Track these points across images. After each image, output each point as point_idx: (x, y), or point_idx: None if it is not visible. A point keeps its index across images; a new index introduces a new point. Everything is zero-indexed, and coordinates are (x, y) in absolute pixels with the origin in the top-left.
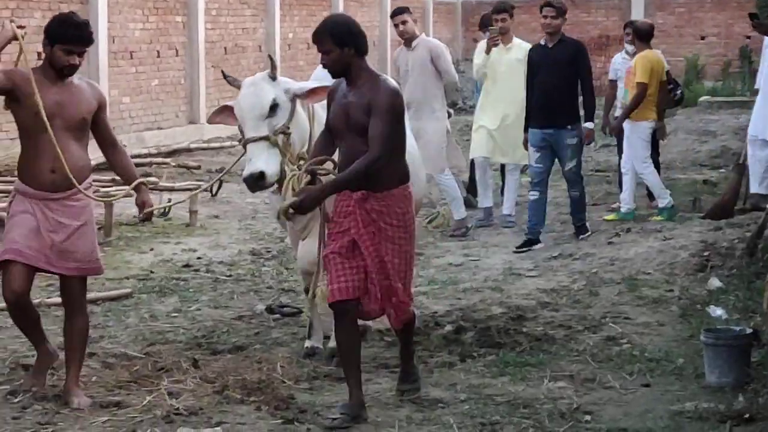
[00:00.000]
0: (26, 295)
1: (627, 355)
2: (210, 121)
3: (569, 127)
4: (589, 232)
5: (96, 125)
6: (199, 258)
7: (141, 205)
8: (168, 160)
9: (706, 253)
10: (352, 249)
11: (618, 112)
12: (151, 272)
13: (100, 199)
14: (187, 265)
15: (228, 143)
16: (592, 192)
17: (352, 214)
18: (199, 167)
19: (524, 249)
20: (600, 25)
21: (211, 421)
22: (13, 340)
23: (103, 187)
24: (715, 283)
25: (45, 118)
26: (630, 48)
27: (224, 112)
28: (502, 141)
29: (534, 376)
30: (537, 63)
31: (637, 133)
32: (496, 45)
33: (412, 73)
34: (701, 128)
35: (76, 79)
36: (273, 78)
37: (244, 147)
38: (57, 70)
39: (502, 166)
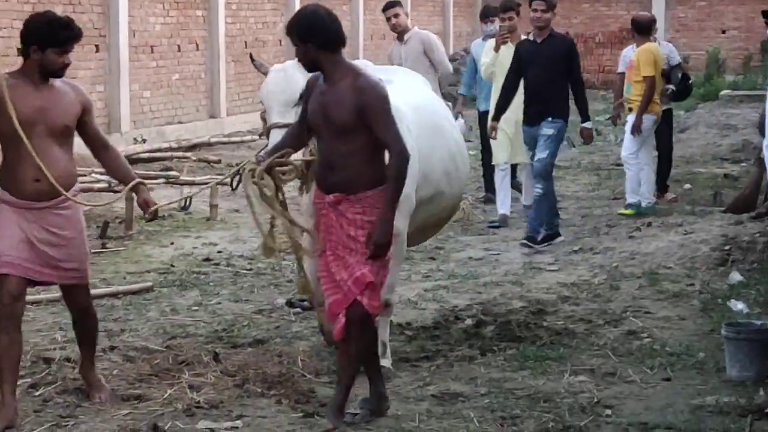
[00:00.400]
0: (19, 306)
1: (648, 349)
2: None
3: (550, 118)
4: (534, 246)
5: (83, 129)
6: (219, 252)
7: (143, 204)
8: (188, 154)
9: (727, 247)
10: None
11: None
12: (172, 266)
13: (90, 204)
14: (207, 259)
15: (248, 137)
16: (612, 186)
17: (325, 218)
18: (219, 161)
19: (546, 243)
20: (621, 18)
21: (231, 414)
22: (34, 333)
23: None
24: (736, 277)
25: (20, 130)
26: None
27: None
28: (518, 141)
29: (554, 370)
30: (525, 59)
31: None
32: (505, 43)
33: (405, 66)
34: (722, 122)
35: (58, 81)
36: None
37: (267, 134)
38: (46, 73)
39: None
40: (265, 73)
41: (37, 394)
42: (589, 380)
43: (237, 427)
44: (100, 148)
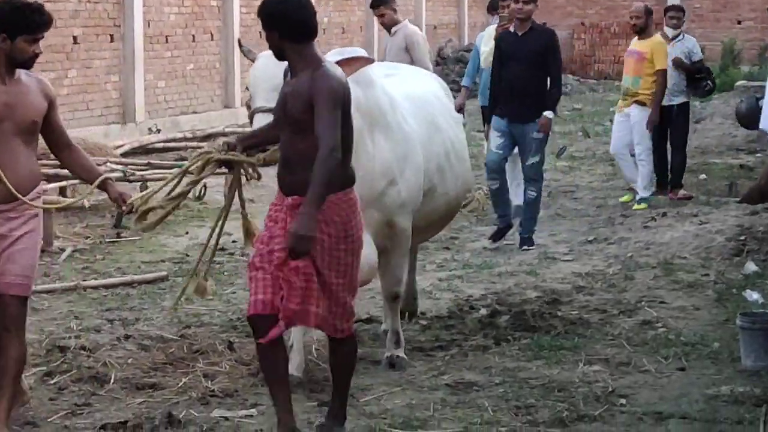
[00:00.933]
0: None
1: (662, 339)
2: None
3: (535, 120)
4: (534, 246)
5: (48, 125)
6: (234, 241)
7: (119, 199)
8: (203, 144)
9: (742, 238)
10: (281, 261)
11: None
12: (187, 255)
13: (49, 206)
14: (222, 249)
15: None
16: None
17: (283, 222)
18: None
19: (499, 237)
20: None
21: (246, 403)
22: (49, 322)
23: (138, 170)
24: (751, 267)
25: None
26: (670, 32)
27: None
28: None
29: (569, 359)
30: (506, 52)
31: (645, 119)
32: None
33: (389, 58)
34: None
35: (24, 74)
36: None
37: (251, 118)
38: (15, 64)
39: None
40: (254, 60)
41: (52, 382)
42: (604, 370)
43: (252, 416)
44: (63, 148)
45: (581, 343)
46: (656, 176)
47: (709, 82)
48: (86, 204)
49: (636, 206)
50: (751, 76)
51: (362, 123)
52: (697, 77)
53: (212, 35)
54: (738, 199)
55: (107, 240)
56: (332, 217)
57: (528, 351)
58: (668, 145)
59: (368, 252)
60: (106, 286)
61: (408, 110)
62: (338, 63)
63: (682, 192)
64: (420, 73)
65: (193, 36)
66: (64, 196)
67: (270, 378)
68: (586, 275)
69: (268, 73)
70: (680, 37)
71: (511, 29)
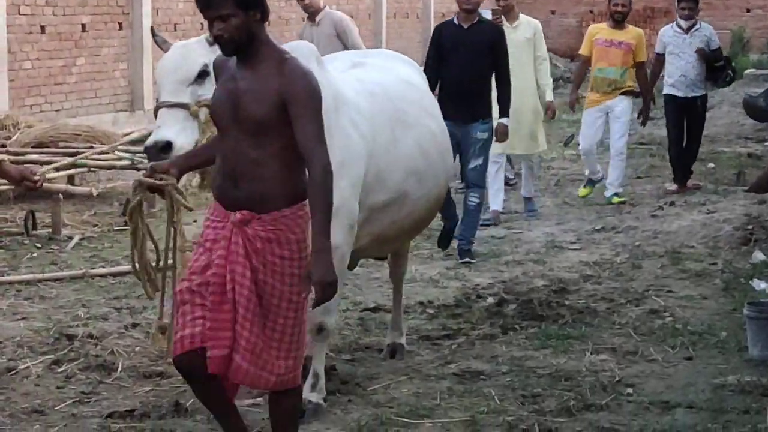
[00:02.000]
0: None
1: (669, 328)
2: None
3: (481, 119)
4: (474, 260)
5: None
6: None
7: (23, 177)
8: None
9: (750, 227)
10: (219, 287)
11: (671, 89)
12: (194, 244)
13: None
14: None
15: None
16: (636, 165)
17: (225, 240)
18: None
19: (465, 261)
20: None
21: (252, 392)
22: (56, 310)
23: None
24: (758, 256)
25: None
26: (683, 22)
27: None
28: (513, 130)
29: (576, 348)
30: (449, 46)
31: (630, 111)
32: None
33: (317, 47)
34: None
35: None
36: (211, 44)
37: (155, 114)
38: None
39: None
40: (166, 51)
41: (59, 370)
42: (611, 359)
43: (259, 404)
44: None
45: (588, 332)
46: (674, 172)
47: (729, 71)
48: (94, 192)
49: (616, 199)
50: (760, 65)
51: None
52: (716, 66)
53: None
54: (746, 188)
55: (115, 228)
56: (287, 235)
57: (535, 340)
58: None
59: None
60: (114, 275)
61: (365, 109)
62: None
63: (691, 182)
64: (392, 60)
65: (202, 24)
66: (73, 184)
67: (218, 414)
68: (594, 264)
69: (178, 63)
70: (697, 26)
71: (455, 21)
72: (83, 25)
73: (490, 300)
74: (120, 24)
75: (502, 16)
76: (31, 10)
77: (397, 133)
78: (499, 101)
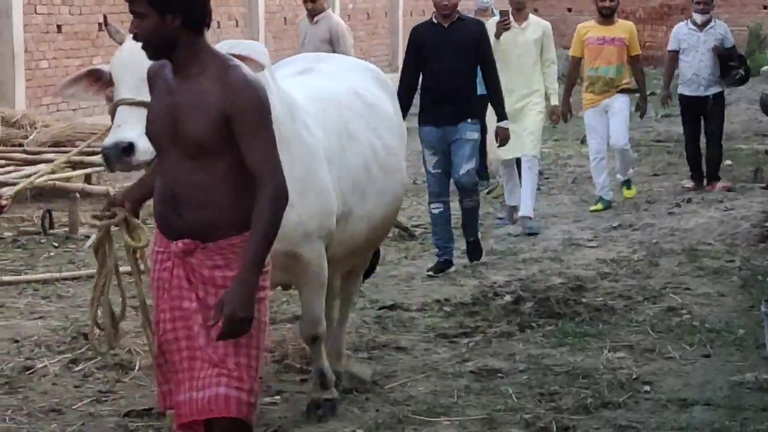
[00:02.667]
0: None
1: (687, 325)
2: (59, 92)
3: (469, 120)
4: (483, 254)
5: None
6: None
7: None
8: None
9: (767, 224)
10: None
11: (683, 88)
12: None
13: None
14: None
15: None
16: (653, 162)
17: (168, 272)
18: None
19: (439, 273)
20: None
21: (270, 390)
22: (74, 309)
23: None
24: None
25: None
26: (699, 18)
27: (83, 80)
28: (516, 133)
29: (593, 346)
30: (429, 46)
31: (629, 108)
32: (507, 29)
33: (309, 48)
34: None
35: None
36: None
37: (112, 114)
38: None
39: (518, 161)
40: (121, 42)
41: (77, 369)
42: (628, 356)
43: (276, 403)
44: None
45: (606, 330)
46: (691, 170)
47: (741, 71)
48: (111, 191)
49: (627, 192)
50: None
51: None
52: (730, 65)
53: (237, 21)
54: (763, 185)
55: None
56: (237, 265)
57: (552, 338)
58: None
59: None
60: (131, 273)
61: (315, 117)
62: None
63: (720, 184)
64: (347, 67)
65: (218, 22)
66: (89, 183)
67: None
68: (611, 261)
69: (138, 57)
70: (711, 24)
71: (434, 20)
72: (100, 24)
73: (508, 298)
74: None
75: (511, 16)
76: (48, 10)
77: (343, 142)
78: (492, 103)
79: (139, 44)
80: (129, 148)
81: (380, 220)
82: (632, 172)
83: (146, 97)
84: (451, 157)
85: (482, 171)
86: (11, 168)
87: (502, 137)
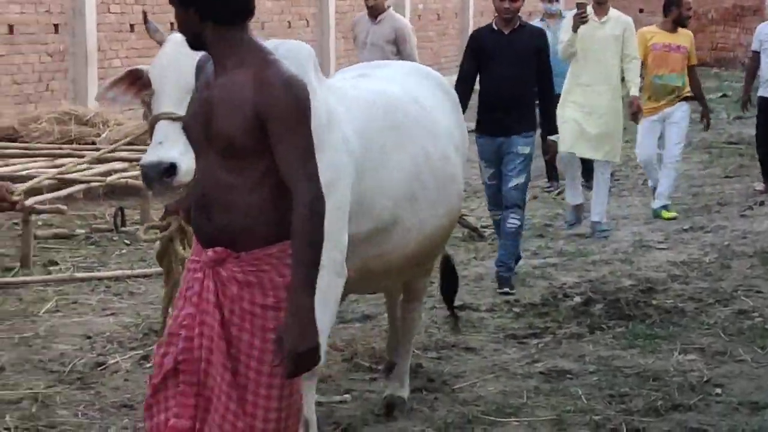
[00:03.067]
0: None
1: (759, 328)
2: (101, 96)
3: (523, 133)
4: (513, 290)
5: None
6: None
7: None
8: None
9: None
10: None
11: (763, 90)
12: None
13: None
14: None
15: None
16: (725, 164)
17: (198, 285)
18: None
19: (506, 285)
20: None
21: (339, 389)
22: (145, 306)
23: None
24: None
25: None
26: None
27: (124, 82)
28: (591, 132)
29: (663, 348)
30: (488, 54)
31: (688, 117)
32: (584, 22)
33: (372, 48)
34: None
35: None
36: None
37: (152, 127)
38: None
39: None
40: (161, 42)
41: (148, 365)
42: (699, 359)
43: (345, 401)
44: None
45: (676, 332)
46: (763, 172)
47: None
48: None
49: (666, 214)
50: None
51: None
52: None
53: (308, 21)
54: None
55: None
56: (272, 278)
57: (622, 339)
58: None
59: None
60: None
61: (357, 125)
62: None
63: None
64: (406, 73)
65: (289, 22)
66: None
67: None
68: (682, 264)
69: (181, 63)
70: None
71: (494, 27)
72: (171, 24)
73: (577, 299)
74: None
75: (591, 9)
76: (121, 9)
77: (386, 154)
78: (543, 115)
79: (181, 47)
80: (170, 169)
81: (432, 232)
82: (670, 192)
83: None
84: (500, 169)
85: (553, 172)
86: (84, 166)
87: (552, 152)
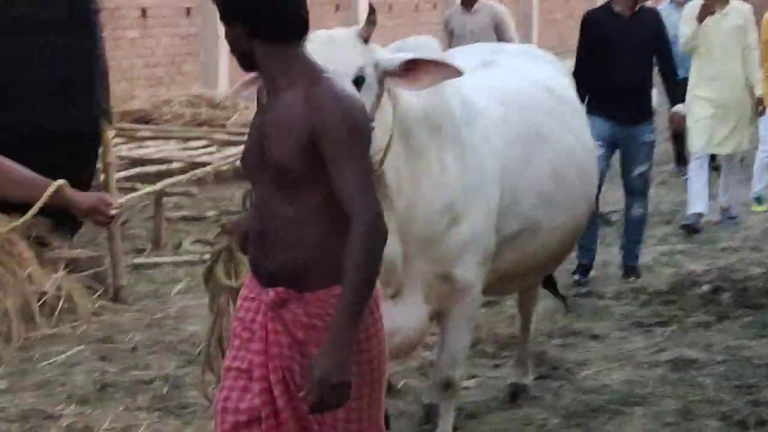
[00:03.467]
0: None
1: None
2: (233, 96)
3: (647, 121)
4: (641, 277)
5: None
6: None
7: (92, 210)
8: None
9: None
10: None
11: None
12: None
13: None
14: None
15: None
16: None
17: (261, 329)
18: None
19: (586, 274)
20: None
21: (464, 374)
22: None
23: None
24: None
25: None
26: None
27: (256, 83)
28: (723, 129)
29: None
30: (608, 39)
31: None
32: (712, 13)
33: (471, 38)
34: None
35: None
36: (365, 39)
37: None
38: None
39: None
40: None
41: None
42: None
43: (469, 387)
44: None
45: None
46: None
47: None
48: None
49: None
50: None
51: (428, 138)
52: None
53: (435, 5)
54: None
55: None
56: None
57: (751, 329)
58: None
59: (412, 317)
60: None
61: (497, 123)
62: (410, 64)
63: None
64: (530, 58)
65: (416, 5)
66: None
67: None
68: None
69: (326, 65)
70: None
71: (614, 9)
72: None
73: (705, 287)
74: (337, 6)
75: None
76: None
77: (529, 150)
78: (669, 91)
79: (326, 48)
80: None
81: (574, 229)
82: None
83: None
84: (622, 158)
85: (681, 156)
86: (213, 149)
87: (677, 122)
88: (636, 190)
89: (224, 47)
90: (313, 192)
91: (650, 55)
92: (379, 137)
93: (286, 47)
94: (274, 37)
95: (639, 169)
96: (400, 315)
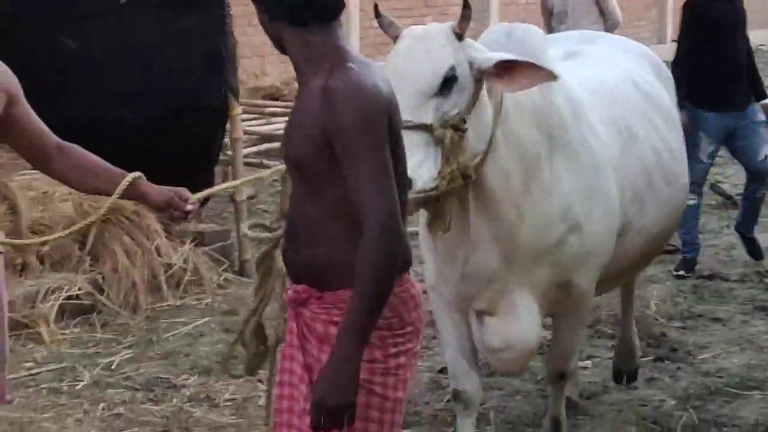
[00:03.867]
0: None
1: None
2: None
3: (754, 102)
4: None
5: (14, 127)
6: None
7: (170, 205)
8: None
9: None
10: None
11: None
12: None
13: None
14: None
15: None
16: None
17: (291, 321)
18: None
19: (689, 273)
20: None
21: (581, 354)
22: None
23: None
24: None
25: None
26: None
27: None
28: None
29: None
30: (713, 21)
31: None
32: None
33: (572, 15)
34: None
35: None
36: (459, 36)
37: None
38: None
39: None
40: (395, 38)
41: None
42: None
43: (586, 368)
44: (51, 151)
45: None
46: None
47: None
48: None
49: None
50: None
51: (540, 142)
52: None
53: None
54: None
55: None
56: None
57: None
58: None
59: (527, 329)
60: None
61: (599, 116)
62: (507, 64)
63: None
64: (618, 49)
65: None
66: None
67: None
68: None
69: (418, 66)
70: None
71: None
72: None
73: None
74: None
75: None
76: None
77: (624, 143)
78: (756, 81)
79: (421, 47)
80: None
81: (657, 234)
82: None
83: (427, 119)
84: (739, 144)
85: None
86: None
87: None
88: (763, 174)
89: (356, 24)
90: (332, 189)
91: (747, 37)
92: (473, 141)
93: (311, 32)
94: (294, 22)
95: (764, 152)
96: (513, 329)
